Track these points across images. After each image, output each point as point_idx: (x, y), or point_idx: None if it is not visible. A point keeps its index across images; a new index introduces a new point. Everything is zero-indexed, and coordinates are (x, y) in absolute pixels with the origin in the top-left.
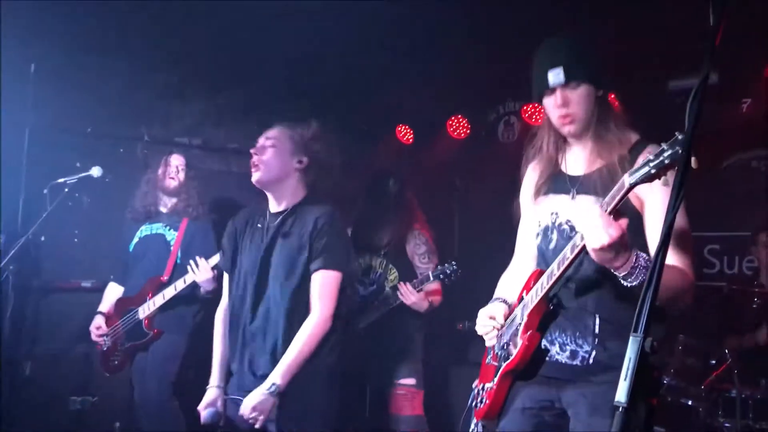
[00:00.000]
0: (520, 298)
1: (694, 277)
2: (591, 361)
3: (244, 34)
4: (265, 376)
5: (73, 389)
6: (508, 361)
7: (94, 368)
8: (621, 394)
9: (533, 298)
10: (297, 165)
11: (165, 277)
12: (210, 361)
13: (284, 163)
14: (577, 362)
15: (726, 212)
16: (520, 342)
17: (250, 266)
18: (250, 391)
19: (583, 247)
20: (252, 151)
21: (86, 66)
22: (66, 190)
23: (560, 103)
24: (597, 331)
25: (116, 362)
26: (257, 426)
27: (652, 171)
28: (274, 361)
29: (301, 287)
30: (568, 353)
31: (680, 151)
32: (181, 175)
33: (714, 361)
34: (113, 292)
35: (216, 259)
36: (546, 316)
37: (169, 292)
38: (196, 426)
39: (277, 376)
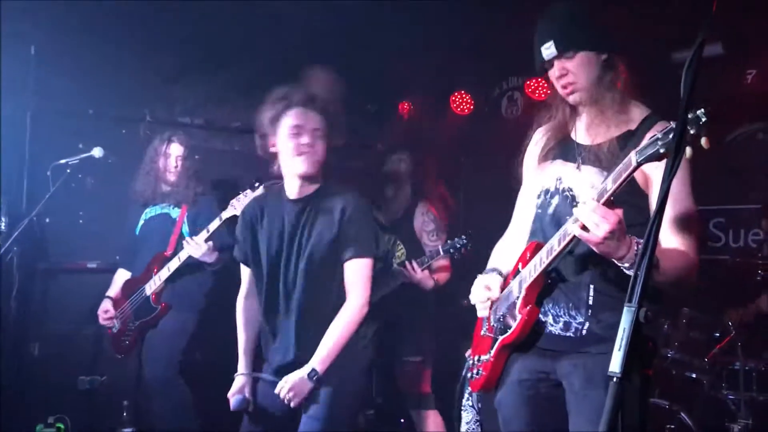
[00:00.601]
0: (516, 270)
1: (697, 259)
2: (584, 332)
3: (246, 12)
4: (294, 362)
5: (82, 369)
6: (506, 335)
7: (103, 348)
8: (615, 365)
9: (531, 272)
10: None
11: (169, 252)
12: (218, 342)
13: (325, 156)
14: (570, 333)
15: (731, 185)
16: (519, 316)
17: (274, 255)
18: (282, 374)
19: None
20: (305, 142)
21: (87, 48)
22: (68, 171)
23: (558, 74)
24: (591, 302)
25: (127, 342)
26: (292, 405)
27: (661, 150)
28: (304, 346)
29: (331, 275)
30: (561, 324)
31: (687, 127)
32: (180, 166)
33: (718, 334)
34: (122, 277)
35: (215, 224)
36: (543, 289)
37: (174, 264)
38: (204, 406)
39: (317, 362)
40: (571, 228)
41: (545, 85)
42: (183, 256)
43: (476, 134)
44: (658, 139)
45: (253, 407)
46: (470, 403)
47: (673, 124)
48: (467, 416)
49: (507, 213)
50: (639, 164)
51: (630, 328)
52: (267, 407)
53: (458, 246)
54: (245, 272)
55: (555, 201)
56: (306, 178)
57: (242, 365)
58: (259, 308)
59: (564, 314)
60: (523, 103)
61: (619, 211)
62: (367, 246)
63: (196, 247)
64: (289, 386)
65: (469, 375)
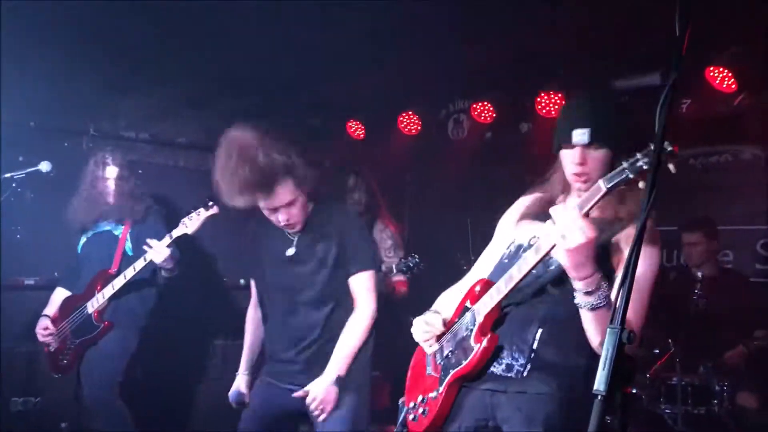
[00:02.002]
0: (462, 308)
1: (641, 324)
2: (525, 373)
3: (192, 27)
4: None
5: (15, 390)
6: (461, 366)
7: (38, 368)
8: (600, 383)
9: (487, 303)
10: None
11: (113, 270)
12: (160, 360)
13: (302, 205)
14: (512, 375)
15: (666, 207)
16: (475, 346)
17: (279, 268)
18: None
19: (548, 252)
20: (283, 220)
21: (29, 59)
22: (14, 185)
23: (579, 161)
24: (534, 346)
25: (65, 362)
26: (322, 417)
27: (630, 176)
28: (308, 359)
29: (331, 293)
30: (504, 366)
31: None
32: (117, 187)
33: (657, 350)
34: (60, 296)
35: (168, 239)
36: (496, 322)
37: (119, 282)
38: (145, 425)
39: (339, 368)
40: (531, 254)
41: (491, 108)
42: (129, 274)
43: (423, 154)
44: (624, 168)
45: (262, 407)
46: None
47: (639, 155)
48: None
49: (451, 231)
50: (608, 190)
51: (614, 348)
52: (274, 408)
53: (411, 265)
54: (254, 285)
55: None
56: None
57: (242, 367)
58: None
59: (507, 356)
60: (469, 126)
61: (596, 230)
62: (369, 259)
63: (159, 251)
64: (320, 398)
65: (411, 417)
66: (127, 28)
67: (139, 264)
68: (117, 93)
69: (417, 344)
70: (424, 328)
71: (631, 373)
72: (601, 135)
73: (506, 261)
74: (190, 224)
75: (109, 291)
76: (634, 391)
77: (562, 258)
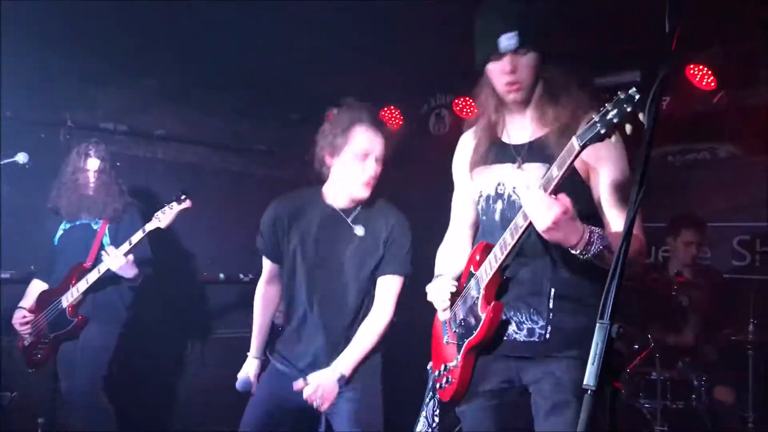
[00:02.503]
0: (468, 273)
1: (645, 239)
2: (548, 335)
3: (173, 18)
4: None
5: None
6: (471, 337)
7: (14, 362)
8: (589, 378)
9: (487, 270)
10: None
11: (88, 263)
12: (139, 357)
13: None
14: (534, 338)
15: (642, 204)
16: (483, 315)
17: (312, 260)
18: (299, 374)
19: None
20: (372, 168)
21: (6, 49)
22: None
23: (509, 69)
24: (551, 306)
25: (39, 356)
26: (322, 409)
27: (602, 131)
28: (330, 351)
29: (367, 287)
30: (525, 331)
31: (630, 118)
32: (98, 179)
33: (637, 346)
34: (37, 288)
35: (138, 236)
36: (501, 286)
37: (93, 276)
38: (122, 421)
39: (346, 368)
40: (521, 219)
41: (473, 104)
42: (102, 268)
43: (404, 149)
44: (596, 121)
45: (270, 396)
46: (424, 414)
47: (608, 106)
48: (420, 426)
49: (434, 226)
50: (582, 147)
51: (603, 343)
52: (284, 399)
53: None
54: (266, 262)
55: (499, 206)
56: (360, 200)
57: (254, 348)
58: (281, 300)
59: (526, 320)
60: (451, 121)
61: (566, 200)
62: (405, 265)
63: (115, 259)
64: (320, 391)
65: (437, 386)
66: (106, 20)
67: (103, 267)
68: (95, 84)
69: (406, 338)
70: (439, 294)
71: (620, 367)
72: (529, 37)
73: (484, 218)
74: (163, 218)
75: (83, 285)
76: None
77: (543, 236)
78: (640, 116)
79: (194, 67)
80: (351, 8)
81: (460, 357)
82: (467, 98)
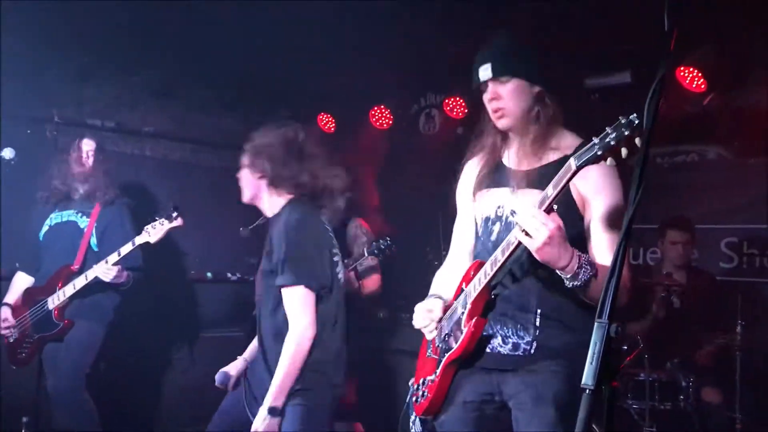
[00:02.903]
0: (459, 291)
1: (630, 278)
2: (533, 351)
3: (161, 14)
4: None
5: None
6: (452, 351)
7: None
8: (588, 377)
9: (476, 286)
10: (258, 180)
11: (75, 266)
12: (126, 356)
13: (251, 184)
14: (519, 353)
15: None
16: (465, 329)
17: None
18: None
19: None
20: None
21: None
22: None
23: (491, 97)
24: (537, 323)
25: (24, 355)
26: None
27: (599, 152)
28: (267, 373)
29: (277, 301)
30: (510, 345)
31: (626, 143)
32: (92, 161)
33: (626, 347)
34: (21, 282)
35: (115, 257)
36: (488, 303)
37: (80, 282)
38: (107, 420)
39: (272, 398)
40: (514, 235)
41: (463, 104)
42: (90, 275)
43: (394, 149)
44: (595, 144)
45: (232, 388)
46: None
47: (608, 129)
48: None
49: (422, 226)
50: (578, 168)
51: (601, 342)
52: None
53: (382, 247)
54: None
55: (496, 228)
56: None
57: (247, 352)
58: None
59: (512, 335)
60: (441, 121)
61: (558, 219)
62: (298, 272)
63: (106, 271)
64: None
65: (414, 399)
66: (95, 16)
67: (91, 274)
68: (81, 80)
69: (388, 342)
70: (423, 316)
71: (618, 367)
72: (503, 66)
73: (482, 238)
74: (153, 233)
75: (70, 290)
76: (602, 387)
77: (535, 255)
78: (637, 141)
79: (181, 63)
80: (342, 7)
81: (439, 371)
82: (457, 98)
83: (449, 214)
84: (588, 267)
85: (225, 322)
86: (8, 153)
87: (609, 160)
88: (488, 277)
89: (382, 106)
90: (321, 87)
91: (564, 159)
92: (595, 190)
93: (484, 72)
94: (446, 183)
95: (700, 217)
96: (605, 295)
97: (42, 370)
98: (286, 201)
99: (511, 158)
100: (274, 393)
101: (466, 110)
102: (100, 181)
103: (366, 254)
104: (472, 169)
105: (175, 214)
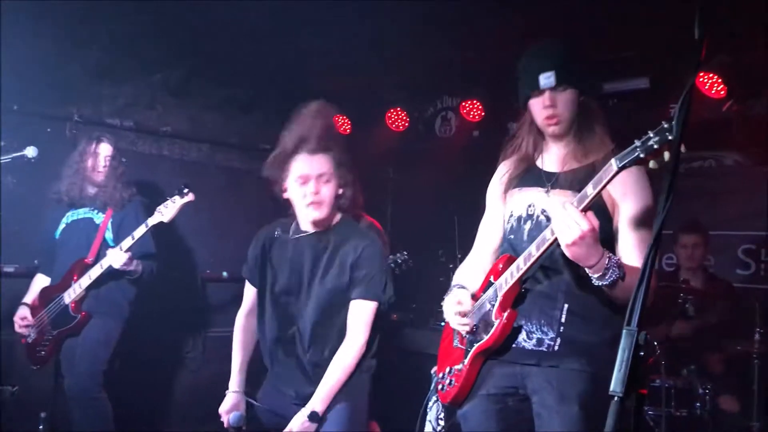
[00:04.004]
0: (487, 283)
1: (656, 281)
2: (556, 347)
3: (180, 14)
4: (295, 396)
5: None
6: (482, 341)
7: (15, 356)
8: (616, 384)
9: (508, 279)
10: (339, 192)
11: (90, 259)
12: (139, 353)
13: (334, 197)
14: (543, 348)
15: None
16: (496, 321)
17: (288, 282)
18: (280, 407)
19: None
20: (305, 185)
21: (12, 41)
22: None
23: (548, 104)
24: (563, 320)
25: (43, 353)
26: None
27: (641, 155)
28: (305, 379)
29: (337, 312)
30: (534, 341)
31: (668, 146)
32: (109, 166)
33: (642, 353)
34: (40, 283)
35: (129, 241)
36: (518, 297)
37: (95, 272)
38: (121, 418)
39: (317, 403)
40: (549, 230)
41: (480, 107)
42: (105, 264)
43: (409, 151)
44: (637, 146)
45: (246, 426)
46: (429, 418)
47: (650, 133)
48: (426, 430)
49: (434, 228)
50: (620, 168)
51: (630, 350)
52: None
53: (399, 261)
54: (249, 289)
55: (527, 226)
56: (318, 221)
57: (235, 383)
58: (259, 332)
59: (537, 330)
60: (457, 124)
61: (594, 219)
62: (375, 289)
63: (117, 256)
64: None
65: (440, 387)
66: (114, 15)
67: (105, 262)
68: (102, 79)
69: (401, 344)
70: (455, 308)
71: (646, 374)
72: (566, 75)
73: (512, 236)
74: (165, 212)
75: (85, 281)
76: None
77: (565, 252)
78: (682, 147)
79: (199, 63)
80: (359, 9)
81: (467, 360)
82: (474, 101)
83: (465, 217)
84: (616, 269)
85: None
86: (31, 151)
87: (652, 162)
88: (521, 272)
89: (399, 108)
90: (337, 88)
91: (594, 164)
92: (624, 192)
93: (547, 80)
94: (461, 186)
95: (717, 224)
96: (634, 302)
97: (59, 369)
98: (338, 217)
99: (545, 161)
100: (321, 399)
101: (482, 113)
102: (113, 190)
103: None
104: (504, 170)
105: (186, 190)
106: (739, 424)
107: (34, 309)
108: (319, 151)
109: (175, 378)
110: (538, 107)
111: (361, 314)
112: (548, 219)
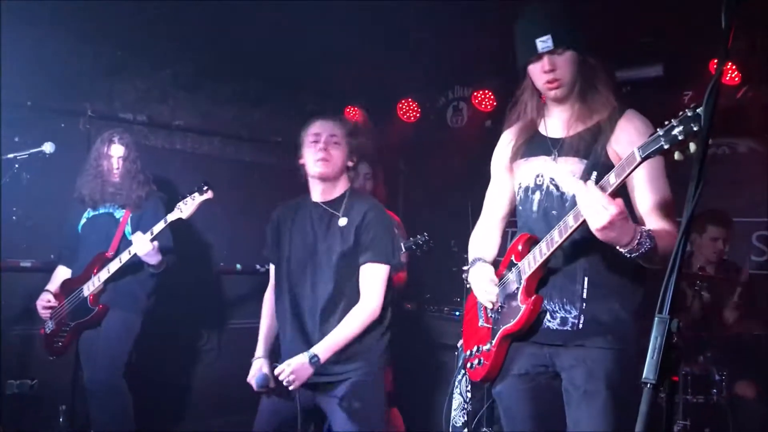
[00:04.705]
0: (508, 262)
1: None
2: (580, 325)
3: (191, 7)
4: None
5: (11, 372)
6: (509, 324)
7: (34, 350)
8: (649, 372)
9: (531, 263)
10: (349, 163)
11: (110, 253)
12: (160, 350)
13: (343, 162)
14: (567, 327)
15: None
16: (522, 306)
17: (301, 252)
18: None
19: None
20: (316, 141)
21: (25, 37)
22: (16, 166)
23: (548, 68)
24: (585, 296)
25: (60, 344)
26: (291, 388)
27: (665, 146)
28: (304, 341)
29: (349, 277)
30: (558, 320)
31: (693, 137)
32: (122, 167)
33: (674, 340)
34: (61, 274)
35: (160, 226)
36: (541, 280)
37: (114, 266)
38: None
39: (321, 350)
40: (572, 219)
41: (492, 96)
42: (124, 257)
43: (420, 142)
44: (660, 135)
45: (274, 384)
46: (458, 391)
47: (674, 121)
48: (456, 402)
49: (445, 218)
50: (643, 159)
51: (662, 337)
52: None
53: (420, 242)
54: (272, 267)
55: (537, 197)
56: (325, 182)
57: (261, 350)
58: (276, 306)
59: (560, 309)
60: (469, 114)
61: (621, 202)
62: (385, 252)
63: (142, 243)
64: (291, 369)
65: (468, 365)
66: (125, 10)
67: (125, 256)
68: (114, 75)
69: (417, 334)
70: (488, 285)
71: (678, 361)
72: (563, 37)
73: (521, 208)
74: (185, 209)
75: (104, 274)
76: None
77: (596, 235)
78: (676, 154)
79: (209, 57)
80: (369, 1)
81: (494, 342)
82: (486, 91)
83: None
84: (648, 240)
85: (252, 314)
86: (49, 147)
87: (677, 154)
88: (544, 257)
89: (410, 99)
90: (348, 80)
91: (598, 124)
92: (639, 177)
93: (543, 43)
94: (474, 176)
95: (731, 210)
96: (666, 290)
97: (78, 361)
98: (346, 188)
99: (548, 127)
100: (326, 348)
101: (494, 103)
102: (129, 191)
103: (404, 249)
104: (508, 139)
105: (205, 188)
106: (756, 410)
107: (55, 297)
108: (332, 118)
109: (192, 370)
110: (538, 72)
111: (372, 277)
112: (557, 188)
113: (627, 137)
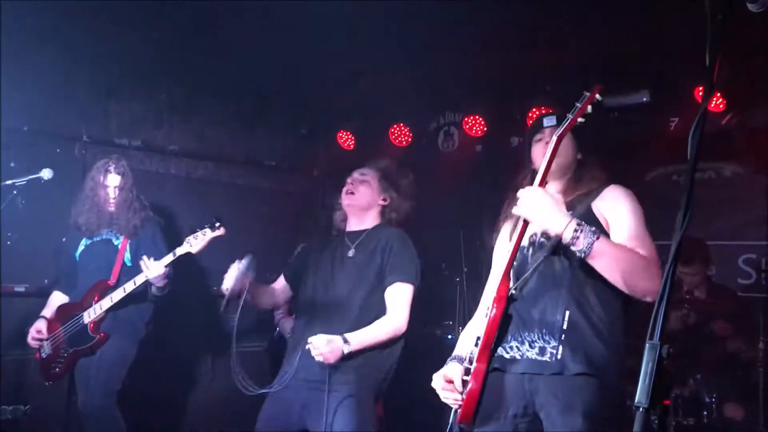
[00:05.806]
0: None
1: (656, 263)
2: (559, 356)
3: (187, 32)
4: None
5: (4, 398)
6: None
7: (28, 376)
8: (641, 396)
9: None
10: (381, 202)
11: (112, 281)
12: (154, 374)
13: (372, 198)
14: (546, 358)
15: (648, 221)
16: (470, 383)
17: (325, 275)
18: (313, 373)
19: (526, 224)
20: (348, 180)
21: (21, 62)
22: (14, 192)
23: (549, 138)
24: (564, 327)
25: (57, 369)
26: (323, 360)
27: (569, 116)
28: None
29: (375, 300)
30: (537, 350)
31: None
32: (118, 196)
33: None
34: (57, 300)
35: (169, 258)
36: (522, 309)
37: (118, 295)
38: None
39: (353, 340)
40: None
41: (482, 122)
42: (128, 287)
43: (413, 166)
44: (567, 115)
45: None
46: None
47: (577, 104)
48: None
49: (437, 243)
50: (559, 137)
51: (653, 363)
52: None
53: None
54: (278, 282)
55: (530, 252)
56: (353, 214)
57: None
58: (296, 323)
59: (539, 339)
60: (460, 138)
61: (549, 187)
62: (410, 274)
63: (156, 268)
64: (324, 342)
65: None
66: (120, 34)
67: (141, 278)
68: (109, 99)
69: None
70: (444, 387)
71: (669, 385)
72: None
73: (516, 264)
74: (195, 243)
75: (107, 303)
76: (626, 402)
77: (532, 222)
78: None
79: (203, 80)
80: (362, 25)
81: (466, 390)
82: (477, 116)
83: (468, 232)
84: (589, 232)
85: (248, 338)
86: (47, 173)
87: (629, 201)
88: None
89: (402, 124)
90: (341, 104)
91: (583, 194)
92: (613, 206)
93: (548, 121)
94: (464, 201)
95: (717, 234)
96: (655, 317)
97: (72, 387)
98: (376, 223)
99: None
100: (358, 339)
101: (485, 128)
102: (126, 221)
103: None
104: (507, 228)
105: (217, 224)
106: None
107: (50, 324)
108: (371, 162)
109: (186, 394)
110: (542, 145)
111: (400, 296)
112: (548, 238)
113: (607, 197)
